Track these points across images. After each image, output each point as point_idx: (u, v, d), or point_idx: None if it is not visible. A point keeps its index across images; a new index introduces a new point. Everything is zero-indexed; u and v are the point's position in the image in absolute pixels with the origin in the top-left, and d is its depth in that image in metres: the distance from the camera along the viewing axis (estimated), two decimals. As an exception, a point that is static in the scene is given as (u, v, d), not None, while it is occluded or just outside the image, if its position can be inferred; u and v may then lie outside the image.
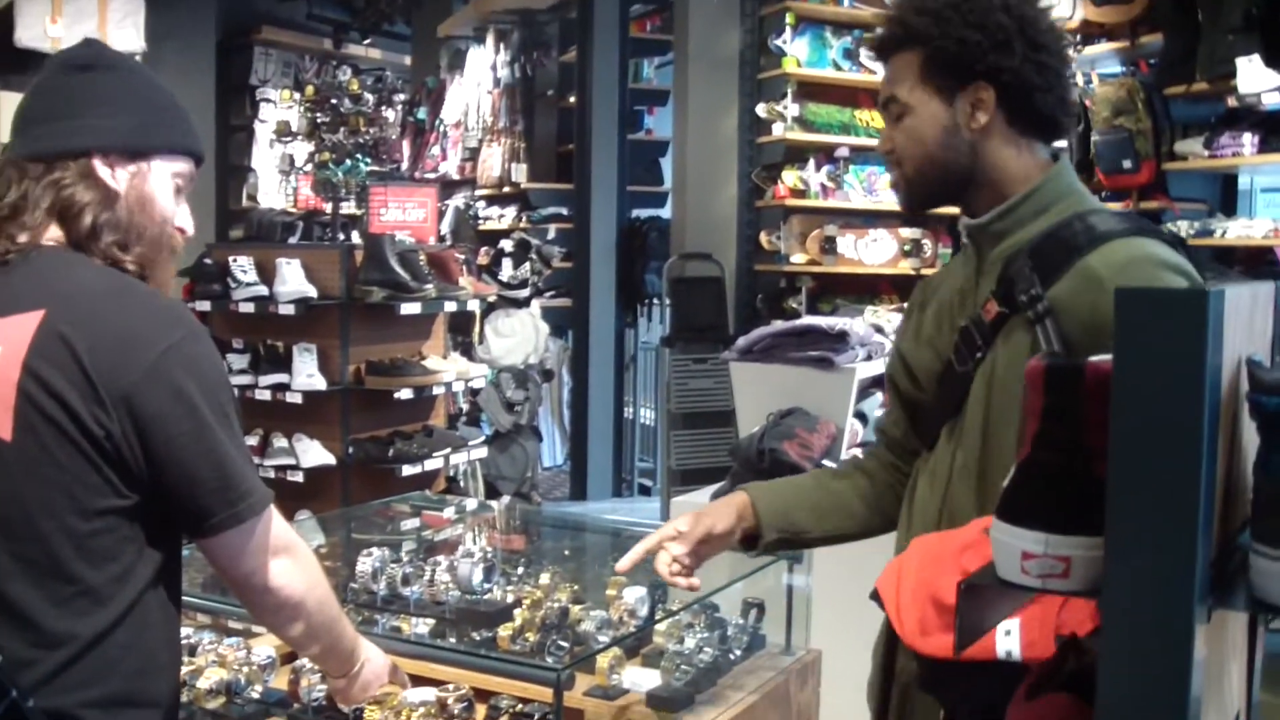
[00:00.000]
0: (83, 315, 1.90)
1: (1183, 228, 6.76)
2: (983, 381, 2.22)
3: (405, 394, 6.64)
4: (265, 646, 3.05)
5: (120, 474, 1.88)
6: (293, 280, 6.42)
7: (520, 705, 2.71)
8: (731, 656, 3.32)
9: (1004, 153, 2.26)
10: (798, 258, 8.76)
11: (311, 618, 2.16)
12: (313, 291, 6.43)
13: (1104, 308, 2.00)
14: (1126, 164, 6.85)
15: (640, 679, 3.14)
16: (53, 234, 2.03)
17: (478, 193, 11.49)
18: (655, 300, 10.63)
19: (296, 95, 8.48)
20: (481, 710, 2.75)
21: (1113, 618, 1.18)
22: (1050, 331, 2.10)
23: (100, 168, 2.06)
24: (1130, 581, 1.17)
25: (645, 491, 10.86)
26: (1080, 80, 7.35)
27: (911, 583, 1.89)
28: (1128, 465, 1.15)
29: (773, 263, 9.04)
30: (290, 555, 2.08)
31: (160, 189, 2.14)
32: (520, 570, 3.48)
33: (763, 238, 9.09)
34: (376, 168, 7.49)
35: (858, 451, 4.69)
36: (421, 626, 3.13)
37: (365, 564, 3.11)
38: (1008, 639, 1.70)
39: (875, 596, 1.98)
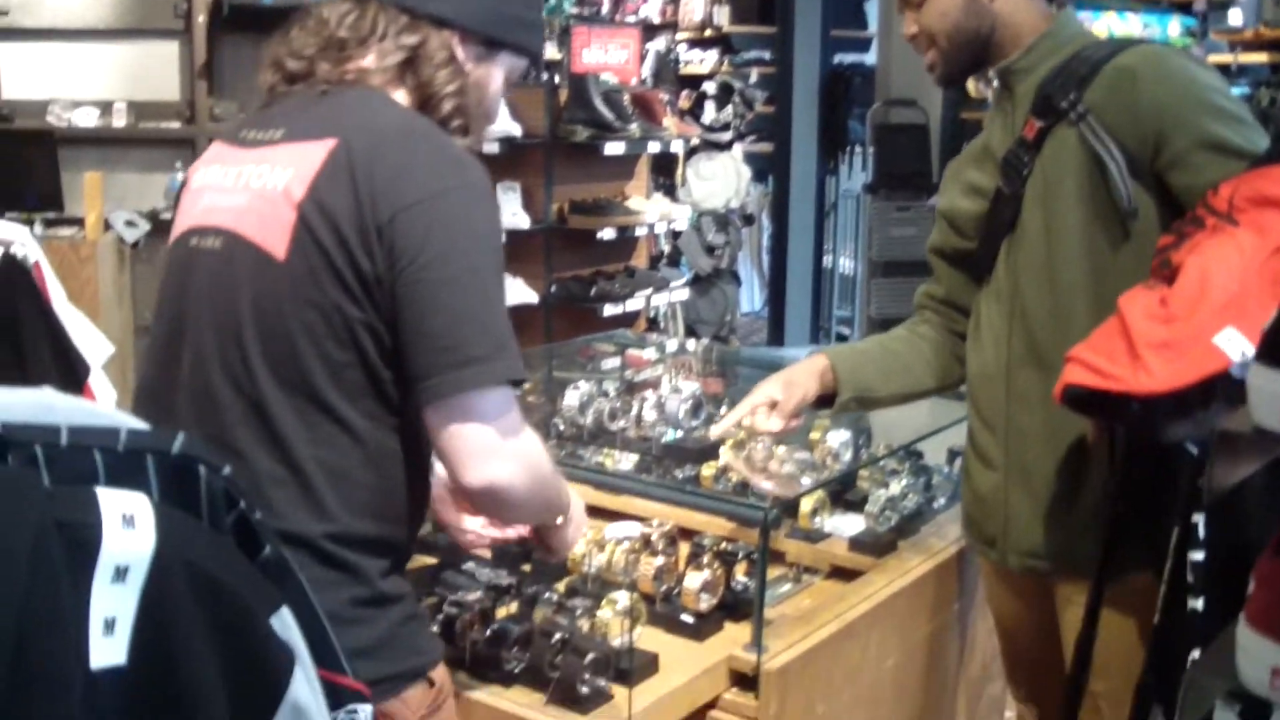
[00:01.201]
0: (371, 148, 1.86)
1: None
2: (1035, 189, 2.51)
3: (608, 234, 6.62)
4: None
5: (376, 310, 1.84)
6: (498, 119, 6.40)
7: (723, 544, 2.70)
8: (935, 505, 3.27)
9: (1018, 11, 2.57)
10: (1006, 104, 8.49)
11: (527, 518, 2.14)
12: (517, 130, 6.41)
13: (1142, 92, 2.36)
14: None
15: (843, 523, 3.12)
16: (394, 92, 2.00)
17: (678, 36, 11.35)
18: (857, 147, 10.44)
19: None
20: (684, 548, 2.74)
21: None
22: (1094, 126, 2.40)
23: (458, 47, 2.03)
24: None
25: (842, 339, 10.75)
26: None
27: (1104, 356, 2.10)
28: None
29: (980, 110, 8.78)
30: (515, 456, 1.88)
31: (496, 84, 2.11)
32: (723, 410, 3.45)
33: (969, 84, 8.82)
34: (578, 10, 7.41)
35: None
36: (626, 462, 3.13)
37: (572, 398, 3.11)
38: (1232, 344, 1.97)
39: (1071, 397, 2.16)
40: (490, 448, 1.85)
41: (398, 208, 1.82)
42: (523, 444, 1.90)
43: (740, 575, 2.69)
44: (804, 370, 2.77)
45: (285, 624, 1.15)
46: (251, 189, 1.92)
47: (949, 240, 2.77)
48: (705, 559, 2.63)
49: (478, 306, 1.85)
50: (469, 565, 2.72)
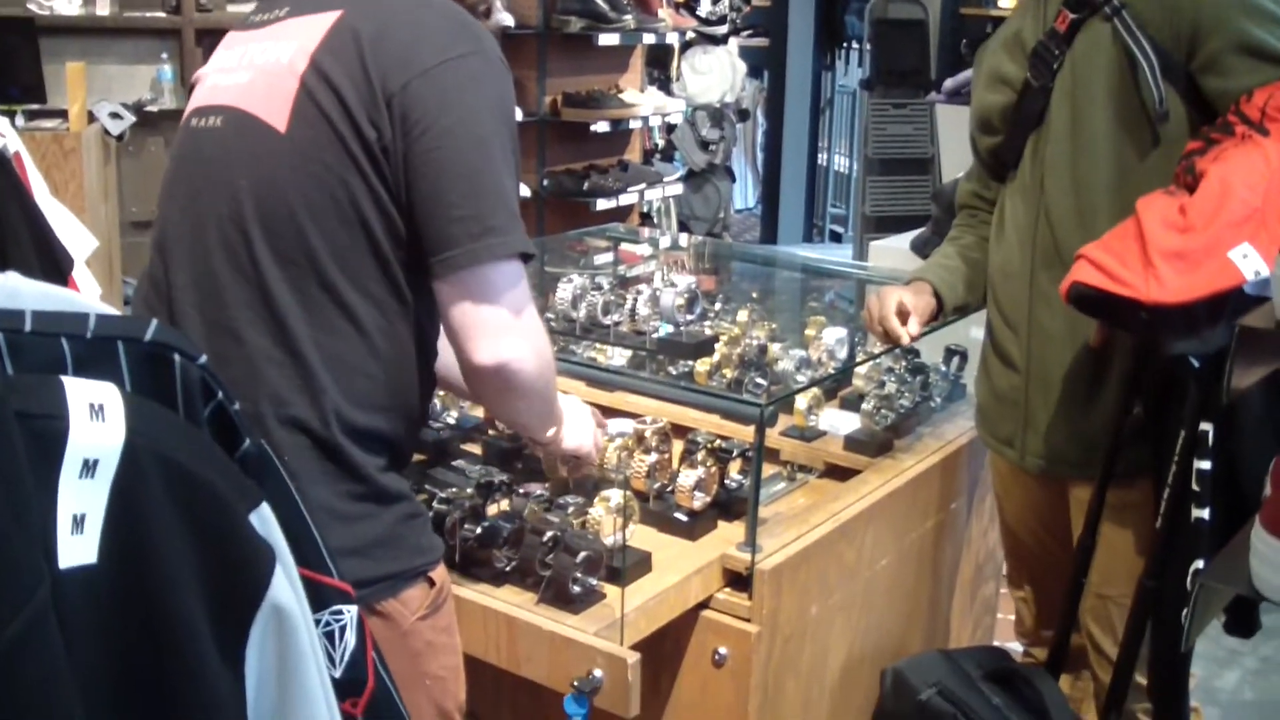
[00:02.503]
0: (378, 16, 1.81)
1: None
2: (1064, 84, 2.45)
3: (601, 127, 6.54)
4: (463, 374, 3.05)
5: (384, 183, 1.79)
6: (492, 8, 6.31)
7: (717, 442, 2.65)
8: (932, 404, 3.24)
9: None
10: (1006, 2, 8.39)
11: (530, 408, 2.00)
12: (509, 20, 6.25)
13: None
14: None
15: (838, 421, 3.09)
16: None
17: (676, -74, 11.18)
18: (854, 43, 10.33)
19: None
20: (678, 445, 2.70)
21: None
22: (1128, 20, 2.34)
23: None
24: None
25: (836, 238, 10.73)
26: None
27: (1116, 259, 2.09)
28: None
29: (979, 6, 8.73)
30: (526, 334, 1.84)
31: None
32: (717, 306, 3.41)
33: (970, -23, 8.76)
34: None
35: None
36: (619, 358, 3.08)
37: (565, 291, 3.04)
38: (1247, 260, 1.95)
39: (1077, 296, 2.16)
40: (504, 324, 1.81)
41: (411, 75, 1.76)
42: (532, 322, 1.87)
43: (734, 473, 2.65)
44: (915, 294, 2.73)
45: (265, 521, 1.10)
46: (256, 65, 1.87)
47: (978, 134, 2.72)
48: (699, 456, 2.59)
49: (494, 176, 1.80)
50: (459, 462, 2.69)
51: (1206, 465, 2.08)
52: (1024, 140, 2.55)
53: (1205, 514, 2.08)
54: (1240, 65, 2.27)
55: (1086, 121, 2.43)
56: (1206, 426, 2.09)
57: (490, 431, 2.88)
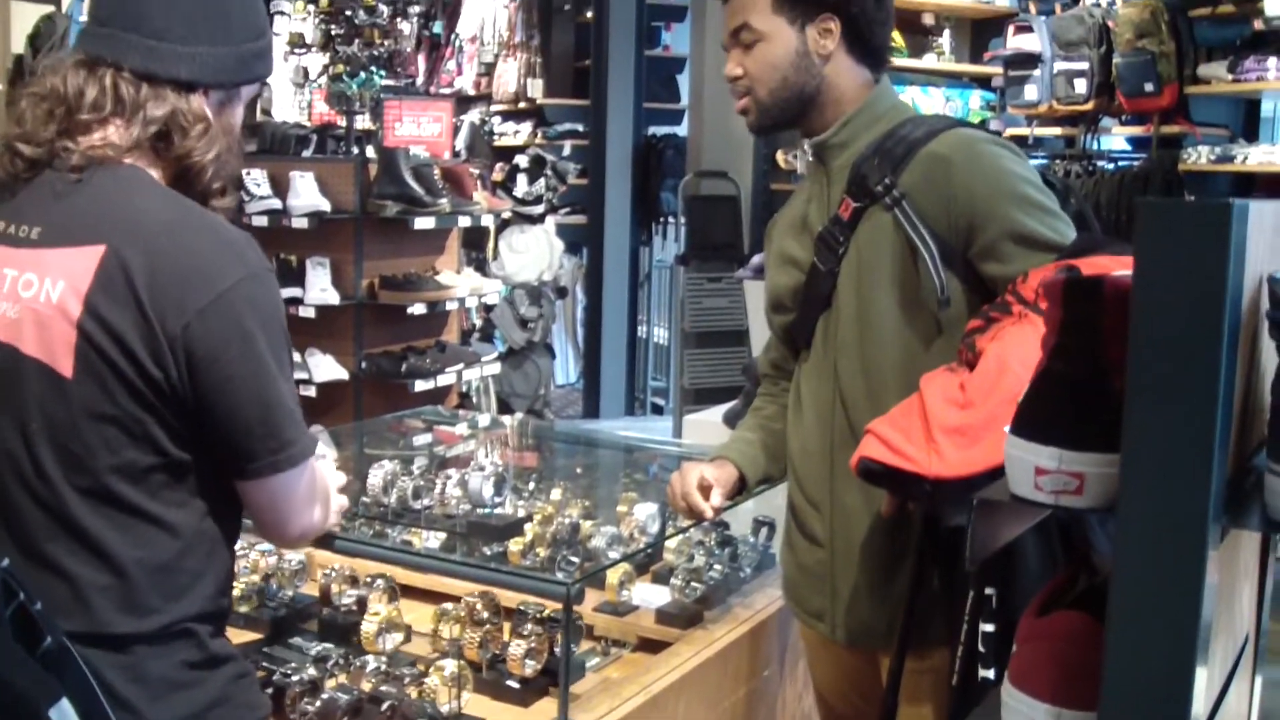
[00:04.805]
0: (145, 250, 1.83)
1: (1203, 153, 6.69)
2: (849, 269, 2.52)
3: (418, 309, 6.60)
4: (296, 553, 3.09)
5: (175, 413, 1.84)
6: (306, 194, 6.37)
7: (547, 611, 2.73)
8: (742, 575, 3.32)
9: (844, 76, 2.57)
10: (813, 178, 8.64)
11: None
12: (326, 205, 6.38)
13: (955, 181, 2.39)
14: (1148, 87, 6.75)
15: (650, 595, 3.16)
16: (148, 166, 1.95)
17: (493, 108, 11.41)
18: (670, 218, 10.57)
19: (310, 7, 8.41)
20: (509, 616, 2.78)
21: (1127, 536, 1.17)
22: (908, 211, 2.41)
23: (207, 105, 1.97)
24: (1144, 499, 1.16)
25: (658, 410, 10.86)
26: (1104, 1, 7.26)
27: (901, 434, 2.14)
28: (1145, 380, 1.13)
29: (789, 182, 8.93)
30: (322, 505, 2.07)
31: (239, 118, 2.08)
32: (532, 485, 3.48)
33: (779, 156, 8.98)
34: (391, 81, 7.41)
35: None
36: (432, 540, 3.13)
37: (376, 477, 3.11)
38: None
39: (865, 470, 2.20)
40: (302, 507, 2.00)
41: (189, 316, 1.82)
42: (320, 491, 2.06)
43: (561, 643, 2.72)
44: (718, 469, 2.73)
45: (64, 715, 1.14)
46: (22, 299, 1.86)
47: (773, 312, 2.77)
48: (528, 626, 2.68)
49: (278, 393, 1.92)
50: (296, 639, 2.74)
51: (990, 628, 2.17)
52: (815, 320, 2.60)
53: (991, 674, 2.17)
54: (1015, 253, 2.38)
55: (872, 306, 2.49)
56: (990, 590, 2.19)
57: (325, 609, 2.93)
